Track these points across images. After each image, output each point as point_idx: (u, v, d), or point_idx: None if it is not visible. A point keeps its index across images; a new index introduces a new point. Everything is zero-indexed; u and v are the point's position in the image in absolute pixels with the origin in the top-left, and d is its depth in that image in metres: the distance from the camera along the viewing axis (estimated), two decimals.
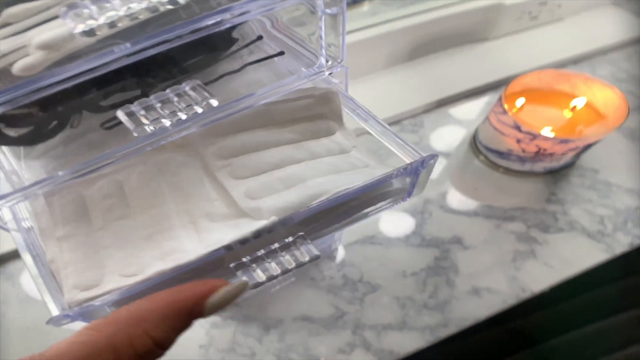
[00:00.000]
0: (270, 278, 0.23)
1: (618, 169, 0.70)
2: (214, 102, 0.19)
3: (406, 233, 0.65)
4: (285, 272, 0.24)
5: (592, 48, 0.88)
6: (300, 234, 0.26)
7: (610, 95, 0.64)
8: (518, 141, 0.62)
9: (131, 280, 0.22)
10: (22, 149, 0.22)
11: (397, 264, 0.62)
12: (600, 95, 0.65)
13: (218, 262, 0.23)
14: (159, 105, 0.19)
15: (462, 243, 0.64)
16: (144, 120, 0.19)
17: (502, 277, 0.61)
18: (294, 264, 0.24)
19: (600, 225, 0.64)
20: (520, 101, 0.67)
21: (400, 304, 0.59)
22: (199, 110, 0.19)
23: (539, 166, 0.66)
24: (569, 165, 0.69)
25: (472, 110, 0.80)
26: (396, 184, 0.31)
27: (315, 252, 0.25)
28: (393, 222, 0.66)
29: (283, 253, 0.24)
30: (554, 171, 0.68)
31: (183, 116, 0.19)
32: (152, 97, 0.19)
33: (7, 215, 0.21)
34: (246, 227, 0.23)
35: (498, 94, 0.81)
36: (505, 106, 0.61)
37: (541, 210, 0.66)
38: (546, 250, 0.63)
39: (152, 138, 0.21)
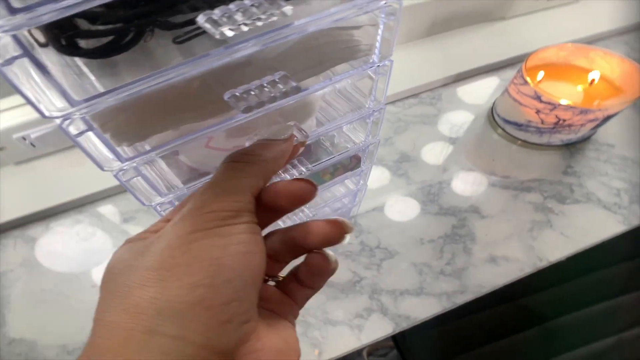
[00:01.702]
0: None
1: (634, 144, 0.71)
2: (288, 10, 0.20)
3: (423, 201, 0.66)
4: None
5: (607, 29, 0.88)
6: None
7: (628, 68, 0.64)
8: (537, 112, 0.63)
9: None
10: (95, 63, 0.23)
11: (414, 232, 0.63)
12: (617, 69, 0.66)
13: None
14: (239, 14, 0.19)
15: (480, 212, 0.65)
16: (224, 25, 0.19)
17: (519, 245, 0.61)
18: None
19: (616, 198, 0.65)
20: (539, 75, 0.68)
21: (418, 270, 0.60)
22: (274, 18, 0.20)
23: (557, 138, 0.67)
24: (586, 139, 0.70)
25: (489, 85, 0.81)
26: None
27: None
28: (411, 190, 0.67)
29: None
30: (571, 144, 0.69)
31: (259, 23, 0.20)
32: (231, 5, 0.19)
33: (79, 127, 0.22)
34: None
35: (514, 70, 0.82)
36: (527, 77, 0.62)
37: (558, 181, 0.67)
38: (563, 221, 0.63)
39: (231, 43, 0.22)
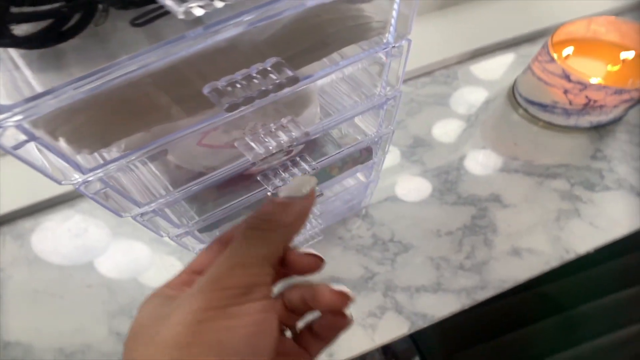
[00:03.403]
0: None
1: None
2: None
3: (440, 190, 0.61)
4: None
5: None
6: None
7: None
8: (565, 92, 0.57)
9: None
10: (35, 54, 0.18)
11: (430, 223, 0.58)
12: None
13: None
14: None
15: (501, 201, 0.60)
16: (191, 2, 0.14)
17: (545, 237, 0.57)
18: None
19: None
20: (566, 51, 0.62)
21: (435, 264, 0.56)
22: None
23: (585, 120, 0.61)
24: (616, 121, 0.64)
25: (508, 62, 0.75)
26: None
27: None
28: (426, 178, 0.62)
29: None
30: (600, 127, 0.63)
31: None
32: None
33: (13, 138, 0.17)
34: None
35: (535, 46, 0.76)
36: (554, 54, 0.56)
37: (586, 167, 0.62)
38: (592, 210, 0.58)
39: (209, 23, 0.17)
